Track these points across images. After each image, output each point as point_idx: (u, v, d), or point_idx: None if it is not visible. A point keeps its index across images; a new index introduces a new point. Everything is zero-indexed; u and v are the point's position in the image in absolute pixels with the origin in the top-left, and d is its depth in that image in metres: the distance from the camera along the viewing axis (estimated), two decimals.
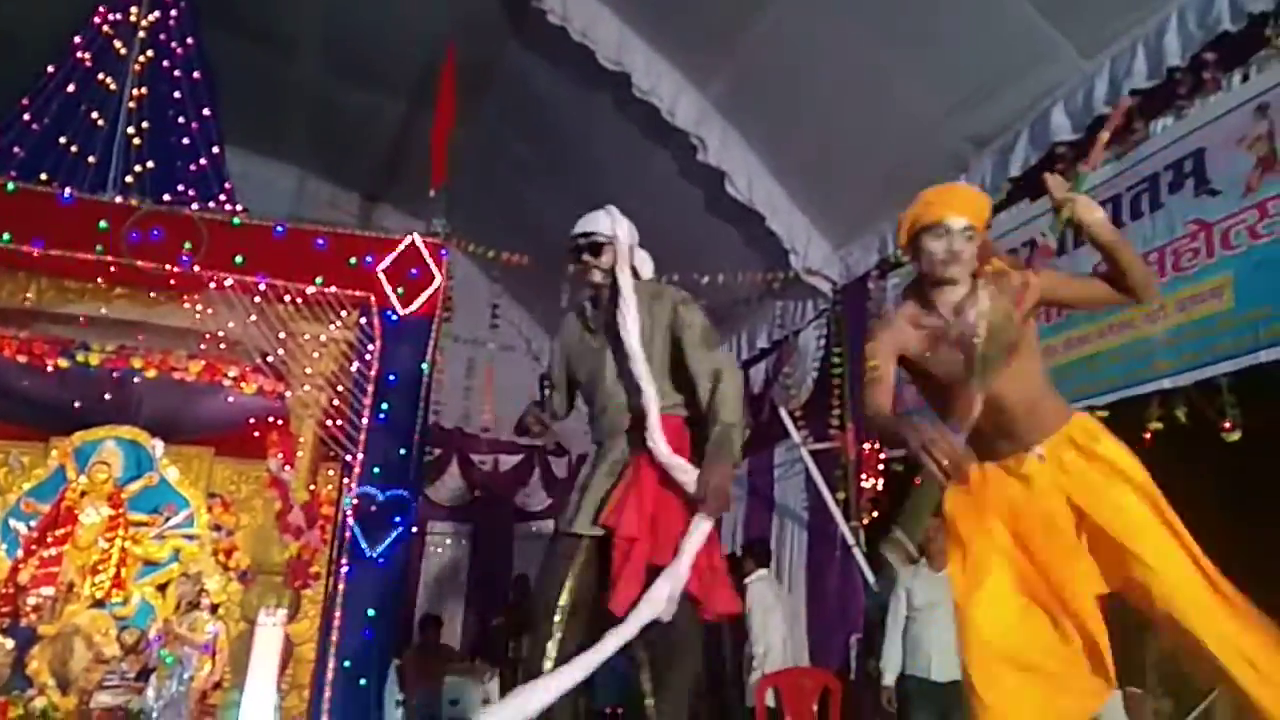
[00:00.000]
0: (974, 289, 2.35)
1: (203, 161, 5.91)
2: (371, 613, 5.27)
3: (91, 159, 5.67)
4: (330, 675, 5.16)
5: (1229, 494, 3.98)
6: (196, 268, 5.32)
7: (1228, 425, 3.63)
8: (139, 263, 5.26)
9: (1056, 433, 2.33)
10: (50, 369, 5.38)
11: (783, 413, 6.44)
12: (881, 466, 5.74)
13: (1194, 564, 2.23)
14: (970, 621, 2.30)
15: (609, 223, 3.20)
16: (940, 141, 5.26)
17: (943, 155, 5.26)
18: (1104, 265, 2.33)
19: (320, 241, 5.68)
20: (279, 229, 5.65)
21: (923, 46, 5.02)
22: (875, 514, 5.73)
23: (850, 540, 5.69)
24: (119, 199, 5.43)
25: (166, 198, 5.54)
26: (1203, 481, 4.00)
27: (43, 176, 5.47)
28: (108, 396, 5.75)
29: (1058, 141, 4.52)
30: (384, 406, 5.56)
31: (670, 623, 2.76)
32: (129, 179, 5.65)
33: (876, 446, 5.79)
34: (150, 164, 5.75)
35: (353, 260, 5.65)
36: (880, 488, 5.69)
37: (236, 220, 5.57)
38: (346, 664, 5.20)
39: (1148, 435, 3.92)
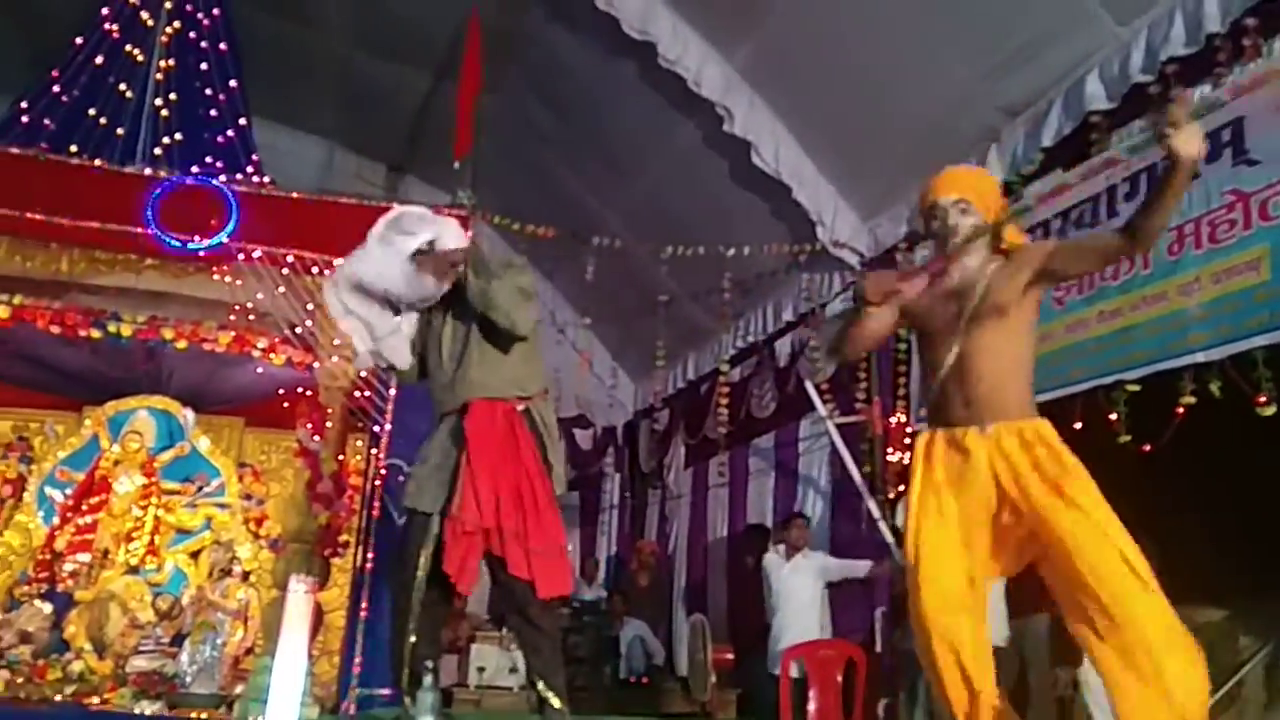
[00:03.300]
0: (986, 259, 2.47)
1: (230, 133, 5.95)
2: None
3: (120, 131, 5.72)
4: (360, 641, 5.23)
5: (1266, 468, 3.94)
6: (224, 239, 5.35)
7: (1263, 399, 3.57)
8: (168, 234, 5.30)
9: (1010, 421, 2.36)
10: (83, 339, 5.46)
11: (809, 386, 6.40)
12: (908, 440, 5.70)
13: (1120, 556, 2.26)
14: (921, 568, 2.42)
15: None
16: (972, 110, 5.17)
17: (974, 124, 5.17)
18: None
19: (347, 213, 5.69)
20: (306, 201, 5.68)
21: (955, 13, 4.92)
22: (901, 487, 5.70)
23: (876, 513, 5.67)
24: (148, 171, 5.47)
25: (195, 169, 5.57)
26: (1240, 455, 3.97)
27: (73, 148, 5.52)
28: (139, 367, 5.84)
29: (1092, 110, 4.42)
30: None
31: (517, 609, 3.00)
32: (158, 151, 5.69)
33: (904, 420, 5.76)
34: (178, 135, 5.79)
35: None
36: (906, 461, 5.66)
37: (264, 192, 5.60)
38: (376, 631, 5.26)
39: (1180, 409, 3.87)
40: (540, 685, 2.97)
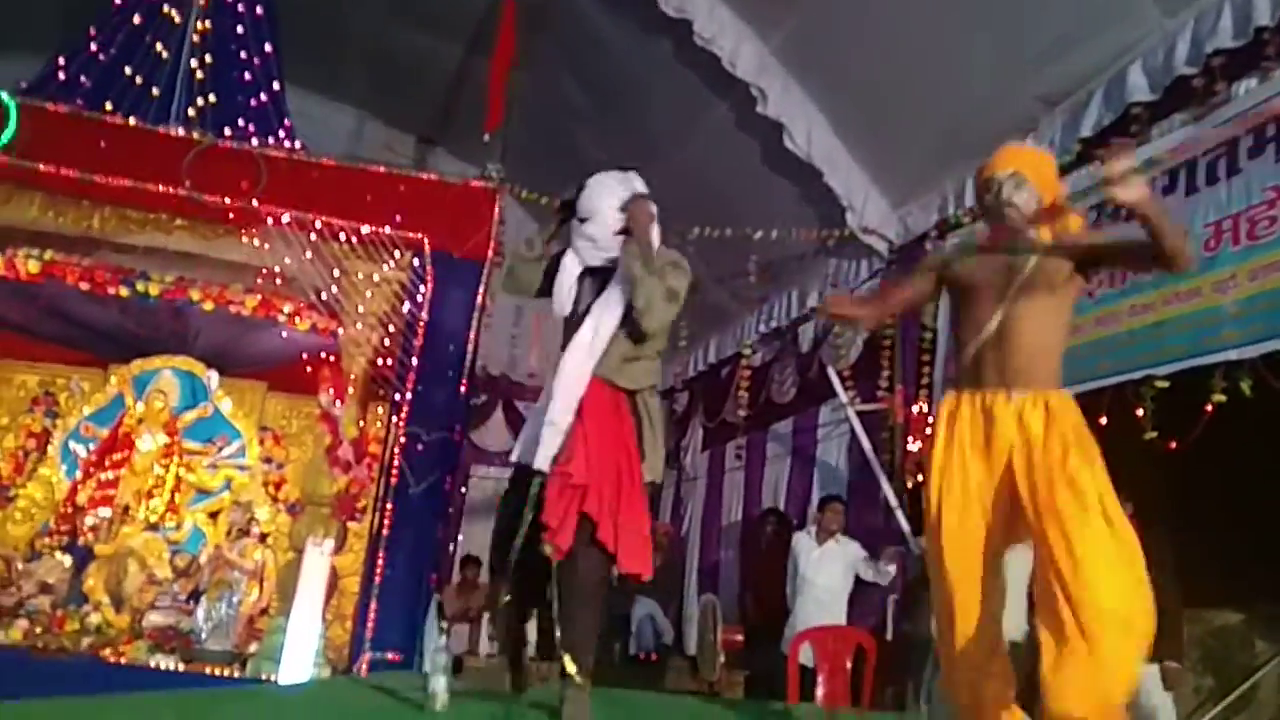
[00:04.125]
0: (1040, 235, 2.48)
1: (263, 97, 5.95)
2: (413, 545, 5.36)
3: (155, 91, 5.74)
4: (373, 607, 5.27)
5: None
6: (255, 203, 5.37)
7: None
8: (200, 195, 5.33)
9: (1037, 392, 2.38)
10: (111, 297, 5.51)
11: (830, 372, 6.37)
12: (929, 430, 5.66)
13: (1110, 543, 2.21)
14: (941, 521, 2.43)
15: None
16: (1009, 99, 5.10)
17: (1011, 113, 5.10)
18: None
19: (376, 182, 5.71)
20: (336, 168, 5.69)
21: (995, 0, 4.86)
22: (920, 477, 5.67)
23: (893, 502, 5.65)
24: (181, 131, 5.49)
25: (227, 132, 5.58)
26: (1267, 456, 3.92)
27: (108, 106, 5.54)
28: (166, 327, 5.88)
29: (1133, 102, 4.36)
30: (433, 348, 5.61)
31: (574, 567, 2.88)
32: (191, 112, 5.71)
33: (925, 409, 5.72)
34: (212, 98, 5.80)
35: (408, 202, 5.68)
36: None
37: (295, 158, 5.61)
38: (389, 597, 5.30)
39: (1209, 407, 3.82)
40: (565, 657, 2.89)
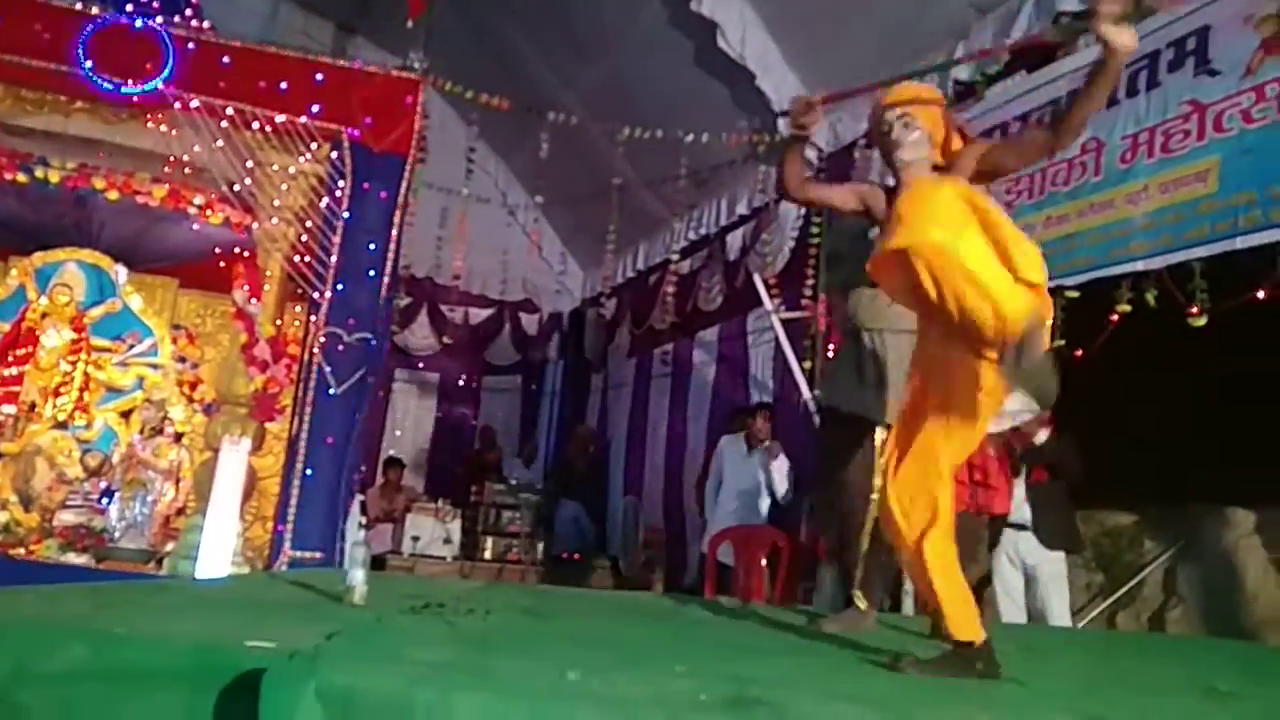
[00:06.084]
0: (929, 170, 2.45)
1: None
2: (334, 446, 5.29)
3: None
4: (294, 507, 5.21)
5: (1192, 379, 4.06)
6: (160, 85, 5.08)
7: (1195, 310, 3.65)
8: (100, 77, 5.01)
9: None
10: (7, 183, 5.21)
11: (757, 279, 6.40)
12: None
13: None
14: None
15: None
16: (941, 5, 5.07)
17: (943, 20, 5.08)
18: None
19: (292, 69, 5.43)
20: (249, 52, 5.40)
21: None
22: None
23: (812, 408, 5.76)
24: (79, 4, 5.13)
25: (129, 7, 5.23)
26: (1166, 366, 4.08)
27: None
28: (68, 217, 5.61)
29: (1063, 11, 4.36)
30: (353, 246, 5.44)
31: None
32: None
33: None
34: None
35: (325, 91, 5.43)
36: None
37: (204, 38, 5.30)
38: (310, 498, 5.24)
39: (1115, 317, 3.94)
40: None
